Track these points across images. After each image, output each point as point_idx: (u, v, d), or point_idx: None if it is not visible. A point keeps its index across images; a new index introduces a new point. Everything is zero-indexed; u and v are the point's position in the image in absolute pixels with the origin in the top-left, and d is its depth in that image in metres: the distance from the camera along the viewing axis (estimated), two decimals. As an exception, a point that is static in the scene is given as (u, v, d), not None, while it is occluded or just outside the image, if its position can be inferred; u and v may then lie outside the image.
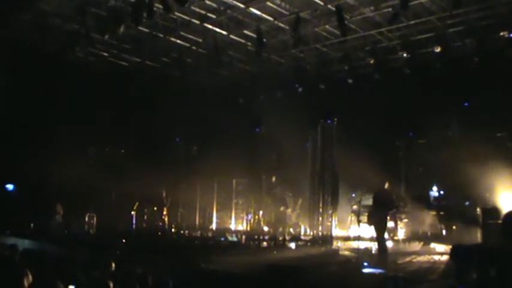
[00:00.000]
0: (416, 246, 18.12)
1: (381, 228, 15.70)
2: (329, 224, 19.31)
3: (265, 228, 21.04)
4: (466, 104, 19.95)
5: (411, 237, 19.08)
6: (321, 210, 19.38)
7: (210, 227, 23.55)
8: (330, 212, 19.38)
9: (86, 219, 20.04)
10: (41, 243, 15.41)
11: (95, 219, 20.12)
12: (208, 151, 22.64)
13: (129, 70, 22.01)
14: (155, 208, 22.17)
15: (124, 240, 17.29)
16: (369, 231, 17.86)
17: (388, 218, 16.47)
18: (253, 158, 23.33)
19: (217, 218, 23.95)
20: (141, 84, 21.91)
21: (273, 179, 22.09)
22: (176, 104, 22.14)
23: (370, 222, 17.04)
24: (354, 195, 20.46)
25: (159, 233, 21.16)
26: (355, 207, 20.28)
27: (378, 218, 15.70)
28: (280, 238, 19.29)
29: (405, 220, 19.66)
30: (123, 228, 20.03)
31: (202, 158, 23.67)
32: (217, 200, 23.98)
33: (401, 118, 20.61)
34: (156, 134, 22.80)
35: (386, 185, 16.08)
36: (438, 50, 18.11)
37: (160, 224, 22.00)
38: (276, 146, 22.14)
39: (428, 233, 19.04)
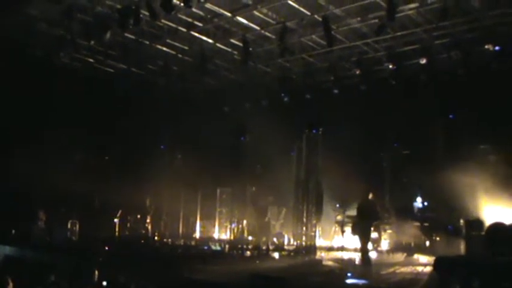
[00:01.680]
0: (400, 257, 18.08)
1: (364, 238, 15.73)
2: (313, 234, 19.25)
3: (249, 238, 20.98)
4: (450, 115, 20.05)
5: (395, 248, 19.06)
6: (304, 220, 19.28)
7: (194, 236, 23.46)
8: (314, 222, 19.30)
9: (69, 226, 19.86)
10: (23, 250, 15.22)
11: (77, 226, 19.94)
12: (193, 159, 22.54)
13: (114, 77, 21.91)
14: (138, 216, 22.13)
15: (107, 248, 17.15)
16: (353, 241, 17.88)
17: (372, 228, 16.52)
18: (237, 166, 23.24)
19: (200, 226, 23.88)
20: (126, 91, 21.80)
21: (253, 188, 22.10)
22: (161, 111, 22.11)
23: (354, 233, 17.10)
24: (338, 205, 20.50)
25: (142, 241, 21.02)
26: (339, 217, 20.34)
27: (361, 229, 15.73)
28: (264, 247, 19.25)
29: (389, 231, 19.68)
30: (106, 236, 19.88)
31: (186, 166, 23.58)
32: (201, 208, 23.90)
33: (386, 129, 20.70)
34: (140, 142, 22.71)
35: (370, 196, 16.14)
36: (424, 61, 18.20)
37: (144, 232, 21.93)
38: (261, 155, 22.07)
39: (412, 244, 19.02)
